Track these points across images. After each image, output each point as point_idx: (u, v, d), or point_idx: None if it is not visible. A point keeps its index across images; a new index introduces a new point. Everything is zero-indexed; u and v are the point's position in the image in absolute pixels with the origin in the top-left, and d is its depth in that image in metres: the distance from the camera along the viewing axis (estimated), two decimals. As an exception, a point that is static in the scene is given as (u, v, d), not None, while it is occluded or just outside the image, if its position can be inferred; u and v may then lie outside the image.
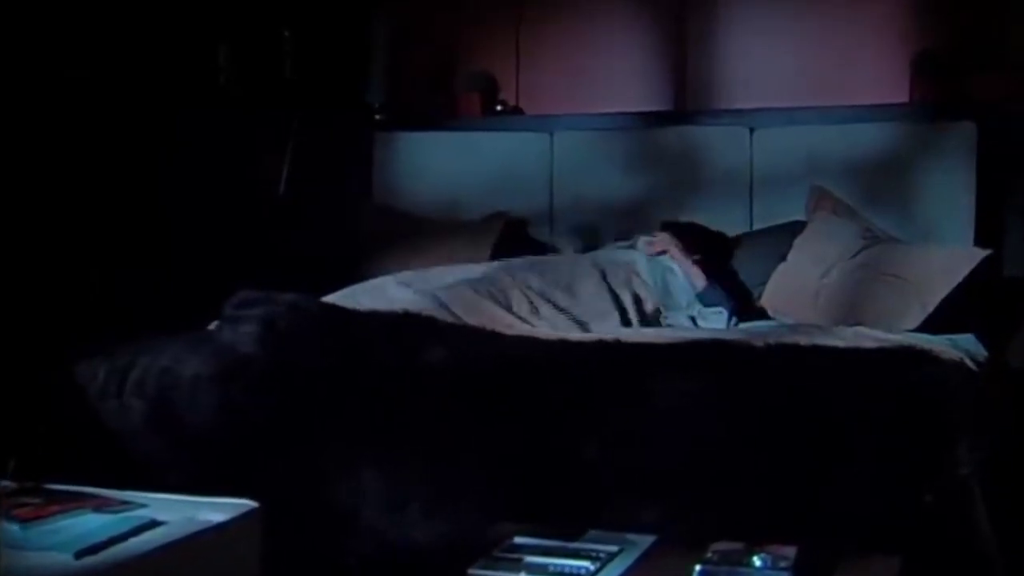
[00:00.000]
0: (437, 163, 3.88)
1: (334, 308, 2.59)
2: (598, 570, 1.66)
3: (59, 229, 2.93)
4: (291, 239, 3.63)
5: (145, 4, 3.23)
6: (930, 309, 2.85)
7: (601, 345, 2.27)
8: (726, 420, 2.00)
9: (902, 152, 3.37)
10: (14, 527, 1.63)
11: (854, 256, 3.09)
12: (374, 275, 3.39)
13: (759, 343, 2.33)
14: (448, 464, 2.06)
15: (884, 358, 2.27)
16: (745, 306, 3.19)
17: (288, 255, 3.50)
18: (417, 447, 2.09)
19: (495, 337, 2.38)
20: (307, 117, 3.77)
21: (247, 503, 1.75)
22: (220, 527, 1.68)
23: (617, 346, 2.27)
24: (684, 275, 3.21)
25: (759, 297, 3.26)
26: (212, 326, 2.57)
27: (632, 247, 3.34)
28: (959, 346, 2.52)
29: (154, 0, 3.27)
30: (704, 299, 3.16)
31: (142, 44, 3.21)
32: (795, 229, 3.36)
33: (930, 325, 2.82)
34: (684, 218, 3.56)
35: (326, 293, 3.18)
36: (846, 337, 2.56)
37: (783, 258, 3.28)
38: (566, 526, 1.79)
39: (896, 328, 2.76)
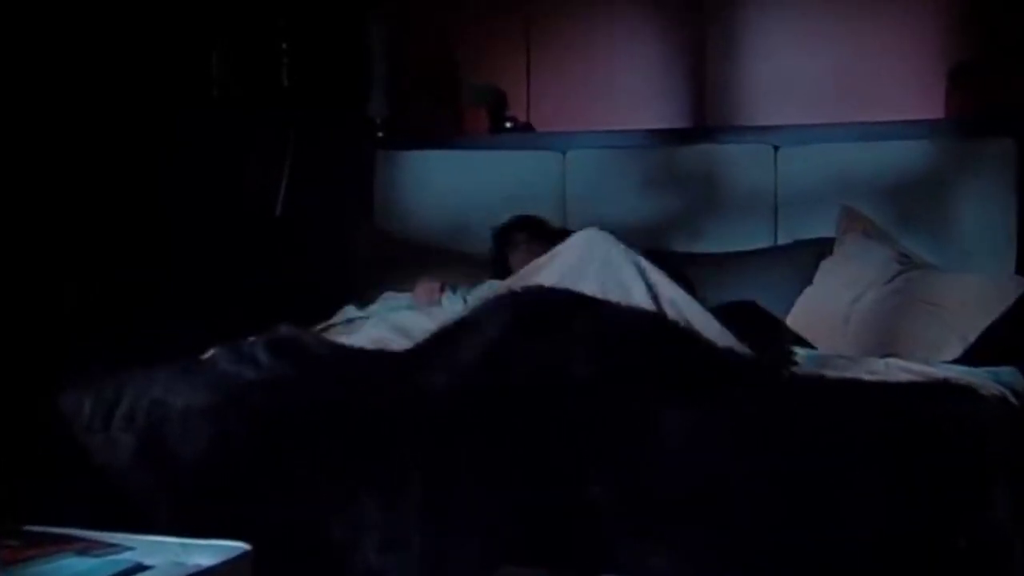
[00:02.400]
0: (441, 183, 3.88)
1: (333, 341, 2.59)
2: (610, 617, 1.65)
3: (41, 242, 2.93)
4: (287, 262, 3.62)
5: (134, 8, 3.24)
6: (970, 340, 2.83)
7: (605, 373, 2.26)
8: (741, 456, 1.99)
9: (937, 171, 3.36)
10: (-9, 572, 1.63)
11: (889, 281, 3.08)
12: (371, 300, 3.41)
13: (784, 373, 2.32)
14: (449, 503, 2.05)
15: (916, 392, 2.24)
16: None
17: (283, 279, 3.50)
18: (417, 484, 2.08)
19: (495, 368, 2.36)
20: (305, 134, 3.78)
21: (238, 545, 1.74)
22: (209, 572, 1.67)
23: (622, 373, 2.25)
24: None
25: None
26: (206, 355, 2.58)
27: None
28: (1001, 379, 2.50)
29: (143, 4, 3.27)
30: None
31: (130, 50, 3.21)
32: (820, 247, 3.35)
33: (969, 357, 2.80)
34: (705, 243, 3.57)
35: (318, 321, 3.21)
36: (877, 370, 2.55)
37: (809, 280, 3.27)
38: (572, 569, 1.78)
39: (933, 359, 2.75)
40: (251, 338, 2.64)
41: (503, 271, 3.28)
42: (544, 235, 3.37)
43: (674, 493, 1.96)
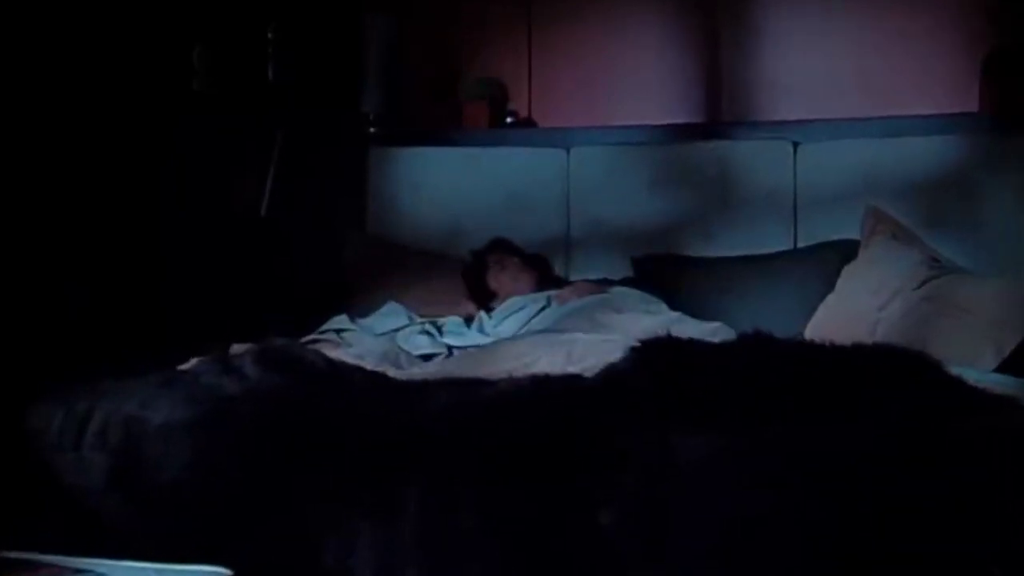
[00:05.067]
0: (439, 181, 3.88)
1: (327, 355, 2.56)
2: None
3: (10, 249, 2.90)
4: (272, 267, 3.60)
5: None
6: (1006, 352, 2.79)
7: (613, 390, 2.23)
8: (759, 483, 1.95)
9: (970, 168, 3.34)
10: (-46, 601, 1.62)
11: (918, 287, 3.05)
12: (363, 309, 3.39)
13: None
14: (448, 528, 2.02)
15: (949, 406, 2.21)
16: None
17: (267, 286, 3.48)
18: (414, 507, 2.05)
19: (498, 386, 2.34)
20: (293, 129, 3.75)
21: (218, 571, 1.76)
22: (188, 598, 1.66)
23: (633, 391, 2.23)
24: None
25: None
26: (186, 366, 2.54)
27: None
28: (1041, 389, 2.47)
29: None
30: None
31: (106, 43, 3.17)
32: (844, 250, 3.33)
33: (1005, 368, 2.76)
34: (719, 246, 3.55)
35: (306, 331, 3.18)
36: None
37: (831, 286, 3.24)
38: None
39: (967, 370, 2.71)
40: (235, 348, 2.62)
41: (483, 294, 3.50)
42: (513, 251, 3.60)
43: (688, 519, 1.93)
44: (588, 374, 2.41)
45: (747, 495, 1.93)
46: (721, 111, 3.89)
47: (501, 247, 3.62)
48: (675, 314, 3.16)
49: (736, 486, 1.94)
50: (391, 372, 2.61)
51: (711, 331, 2.93)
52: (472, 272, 3.58)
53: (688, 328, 2.91)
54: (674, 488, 1.95)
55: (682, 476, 1.96)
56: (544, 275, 3.60)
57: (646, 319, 3.02)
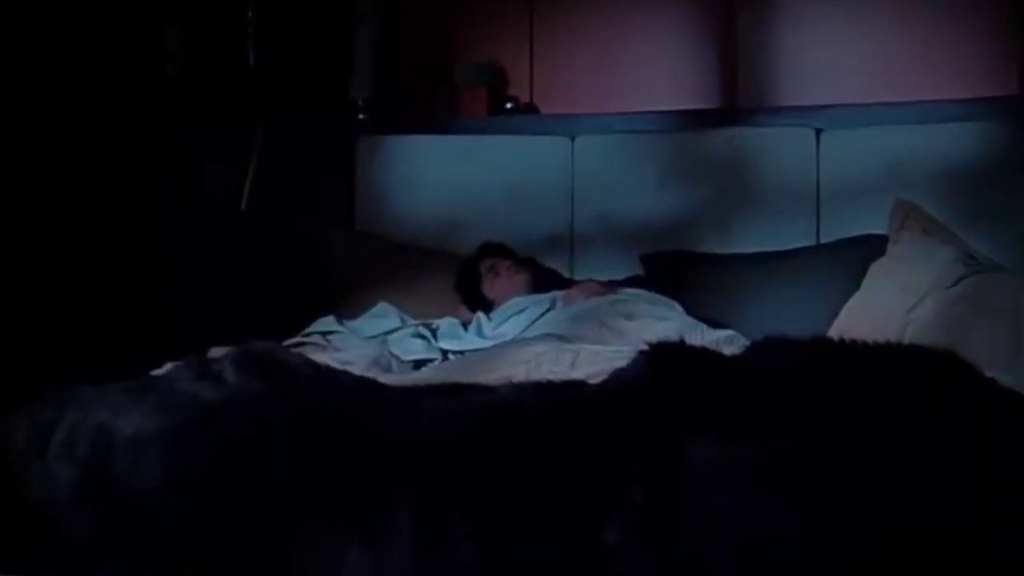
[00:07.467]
0: (434, 173, 3.88)
1: (312, 360, 2.56)
2: None
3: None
4: (253, 266, 3.59)
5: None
6: (1047, 355, 2.79)
7: (621, 397, 2.22)
8: (775, 497, 1.94)
9: (1007, 157, 3.34)
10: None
11: (951, 286, 3.03)
12: (351, 311, 3.38)
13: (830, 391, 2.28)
14: (442, 544, 2.01)
15: (974, 409, 2.20)
16: None
17: (249, 285, 3.47)
18: (407, 522, 2.04)
19: (497, 392, 2.34)
20: (276, 117, 3.75)
21: None
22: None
23: (641, 397, 2.22)
24: None
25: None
26: (160, 371, 2.54)
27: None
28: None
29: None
30: None
31: (74, 27, 3.17)
32: (870, 246, 3.31)
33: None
34: (736, 242, 3.54)
35: (289, 333, 3.18)
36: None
37: (856, 285, 3.22)
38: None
39: (1002, 375, 2.71)
40: (213, 351, 2.61)
41: (478, 302, 3.49)
42: (504, 254, 3.60)
43: (700, 535, 1.92)
44: (593, 381, 2.41)
45: (762, 507, 1.92)
46: (738, 96, 3.90)
47: (491, 251, 3.62)
48: (688, 319, 3.16)
49: (751, 499, 1.94)
50: (381, 378, 2.59)
51: (726, 339, 2.92)
52: (465, 284, 3.56)
53: (700, 336, 2.90)
54: (685, 502, 1.94)
55: (694, 489, 1.95)
56: (538, 274, 3.59)
57: (658, 326, 3.00)
